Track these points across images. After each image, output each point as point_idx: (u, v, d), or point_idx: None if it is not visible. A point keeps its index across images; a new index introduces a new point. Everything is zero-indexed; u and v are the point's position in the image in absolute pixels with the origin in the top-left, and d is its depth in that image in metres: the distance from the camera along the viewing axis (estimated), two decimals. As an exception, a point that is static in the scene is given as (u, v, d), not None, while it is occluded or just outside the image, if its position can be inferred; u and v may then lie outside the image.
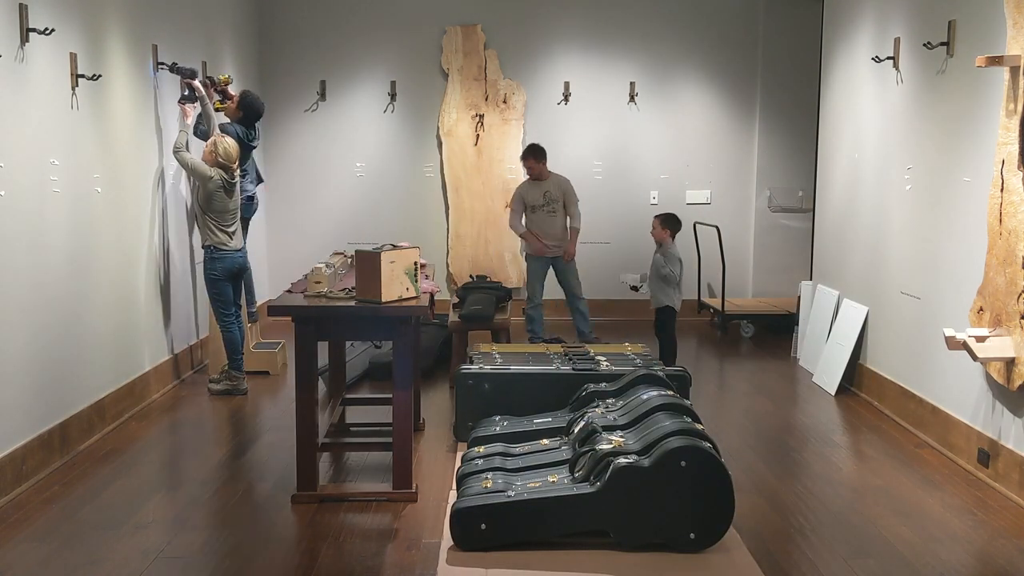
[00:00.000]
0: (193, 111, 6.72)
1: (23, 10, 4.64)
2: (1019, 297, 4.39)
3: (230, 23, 8.57)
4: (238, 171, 6.45)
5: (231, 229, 6.44)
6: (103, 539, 4.09)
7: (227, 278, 6.46)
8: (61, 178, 5.08)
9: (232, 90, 7.26)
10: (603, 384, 5.09)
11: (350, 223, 9.61)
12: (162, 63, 6.55)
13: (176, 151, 6.37)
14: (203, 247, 6.47)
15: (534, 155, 7.79)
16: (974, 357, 4.60)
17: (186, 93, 6.70)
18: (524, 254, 7.90)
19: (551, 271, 7.96)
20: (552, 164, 9.52)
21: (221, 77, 7.33)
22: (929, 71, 5.61)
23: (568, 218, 7.83)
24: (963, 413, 5.11)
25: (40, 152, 4.86)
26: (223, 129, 7.14)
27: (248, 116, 7.15)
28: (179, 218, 7.09)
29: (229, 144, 6.35)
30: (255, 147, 7.29)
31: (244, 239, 6.75)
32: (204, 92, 6.60)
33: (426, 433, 5.70)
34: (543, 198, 7.76)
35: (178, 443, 5.62)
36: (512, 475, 4.27)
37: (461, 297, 7.30)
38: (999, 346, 4.51)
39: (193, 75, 6.65)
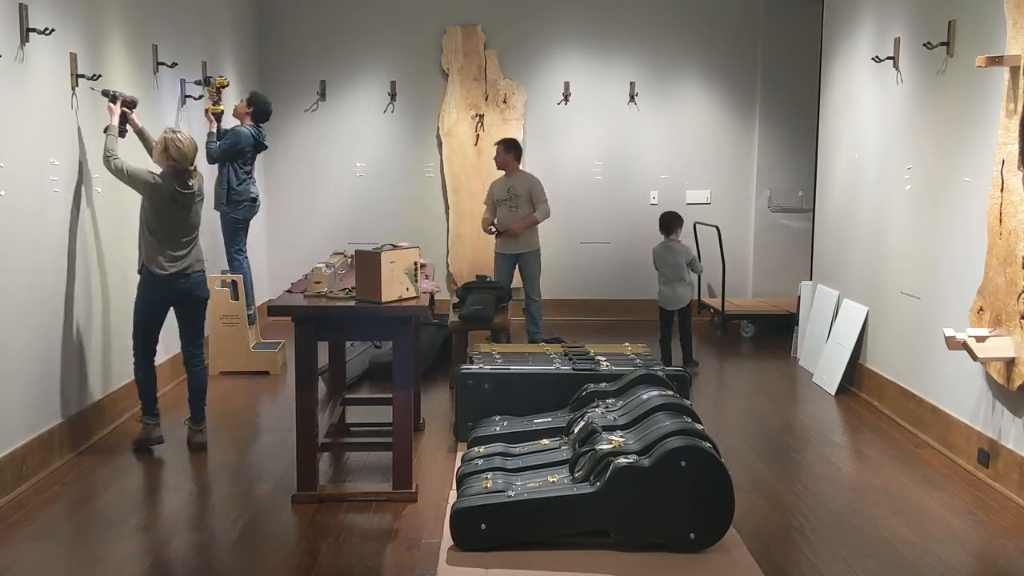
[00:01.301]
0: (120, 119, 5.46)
1: (23, 10, 4.64)
2: (1019, 297, 4.39)
3: (230, 23, 8.57)
4: (196, 178, 5.21)
5: (178, 253, 5.19)
6: (103, 539, 4.09)
7: (159, 306, 5.30)
8: (61, 178, 5.08)
9: (230, 92, 7.28)
10: (603, 384, 5.09)
11: (350, 223, 9.61)
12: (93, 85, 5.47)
13: (108, 158, 5.16)
14: (138, 271, 5.31)
15: (515, 150, 7.84)
16: (974, 357, 4.60)
17: (116, 123, 5.42)
18: (495, 252, 7.94)
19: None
20: (552, 164, 9.58)
21: (218, 80, 7.33)
22: (929, 71, 5.61)
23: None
24: (963, 413, 5.11)
25: (40, 152, 4.86)
26: (236, 131, 7.16)
27: (258, 115, 7.23)
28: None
29: (183, 142, 5.09)
30: (267, 146, 7.34)
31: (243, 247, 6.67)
32: (136, 124, 5.57)
33: (426, 433, 5.70)
34: (507, 193, 7.79)
35: (178, 443, 5.61)
36: (512, 475, 4.27)
37: (461, 297, 7.30)
38: (999, 346, 4.51)
39: (133, 105, 5.52)
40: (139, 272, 5.27)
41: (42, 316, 4.87)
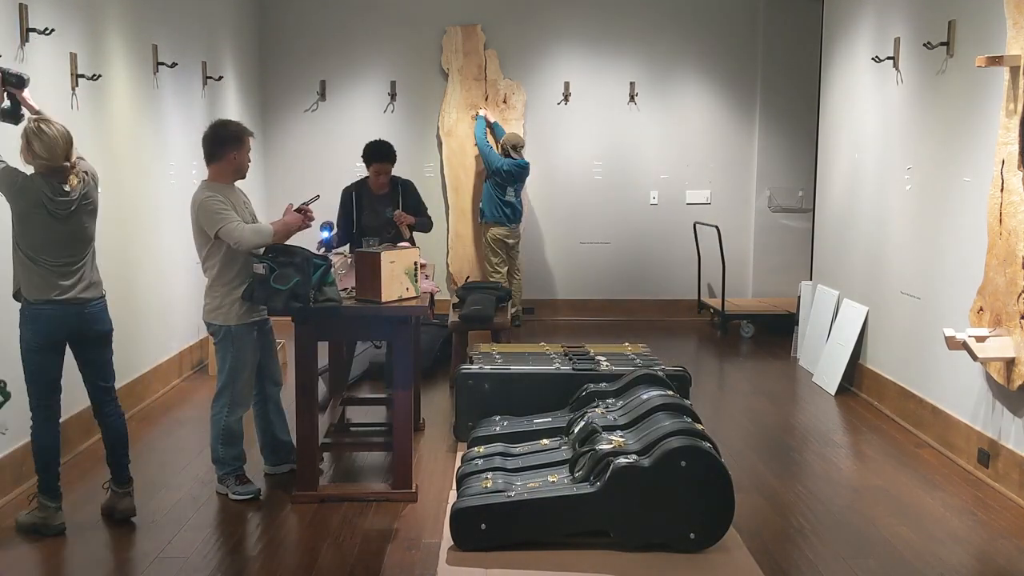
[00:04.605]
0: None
1: (23, 10, 4.64)
2: (1019, 297, 4.39)
3: (230, 23, 8.57)
4: (77, 179, 4.05)
5: (66, 272, 4.04)
6: (103, 539, 4.09)
7: (50, 345, 4.07)
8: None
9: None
10: (603, 384, 5.09)
11: (350, 223, 9.60)
12: None
13: None
14: (13, 296, 4.13)
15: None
16: (974, 357, 4.61)
17: (6, 106, 4.09)
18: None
19: None
20: (552, 164, 9.59)
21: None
22: (929, 71, 5.61)
23: None
24: (963, 413, 5.11)
25: (40, 152, 4.85)
26: None
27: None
28: (179, 218, 7.08)
29: (51, 132, 3.92)
30: None
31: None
32: (31, 107, 4.15)
33: (426, 433, 5.70)
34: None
35: (178, 443, 5.61)
36: (512, 475, 4.27)
37: (461, 297, 7.30)
38: (999, 346, 4.52)
39: (20, 84, 4.12)
40: (16, 300, 4.11)
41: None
